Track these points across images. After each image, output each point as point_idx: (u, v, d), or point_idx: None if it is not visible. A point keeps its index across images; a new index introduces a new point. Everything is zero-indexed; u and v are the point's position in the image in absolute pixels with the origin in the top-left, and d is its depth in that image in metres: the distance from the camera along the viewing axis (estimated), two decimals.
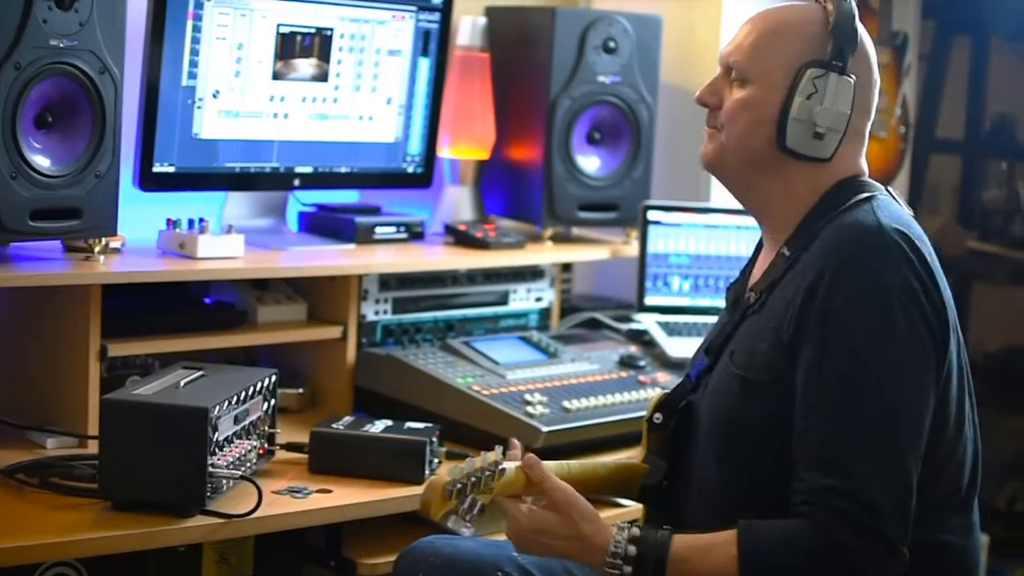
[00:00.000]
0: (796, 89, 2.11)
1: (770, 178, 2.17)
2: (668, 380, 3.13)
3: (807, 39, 2.13)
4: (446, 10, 3.37)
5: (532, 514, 2.10)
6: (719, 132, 2.20)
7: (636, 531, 2.05)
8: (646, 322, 3.46)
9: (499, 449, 2.12)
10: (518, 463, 2.12)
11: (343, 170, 3.30)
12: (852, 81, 2.12)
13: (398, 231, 3.33)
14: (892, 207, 2.12)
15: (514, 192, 3.58)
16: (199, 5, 2.93)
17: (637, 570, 2.02)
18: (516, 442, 2.24)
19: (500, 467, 2.08)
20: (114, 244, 2.82)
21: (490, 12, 3.55)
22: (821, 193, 2.15)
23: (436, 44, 3.37)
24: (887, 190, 2.18)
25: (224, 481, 2.39)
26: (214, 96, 3.02)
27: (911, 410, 1.99)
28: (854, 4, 2.15)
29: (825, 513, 1.95)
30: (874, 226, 2.04)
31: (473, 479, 2.05)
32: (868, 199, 2.11)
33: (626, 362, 3.26)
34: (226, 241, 2.92)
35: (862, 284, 2.00)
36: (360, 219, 3.26)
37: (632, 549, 2.03)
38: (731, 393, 2.13)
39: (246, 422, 2.52)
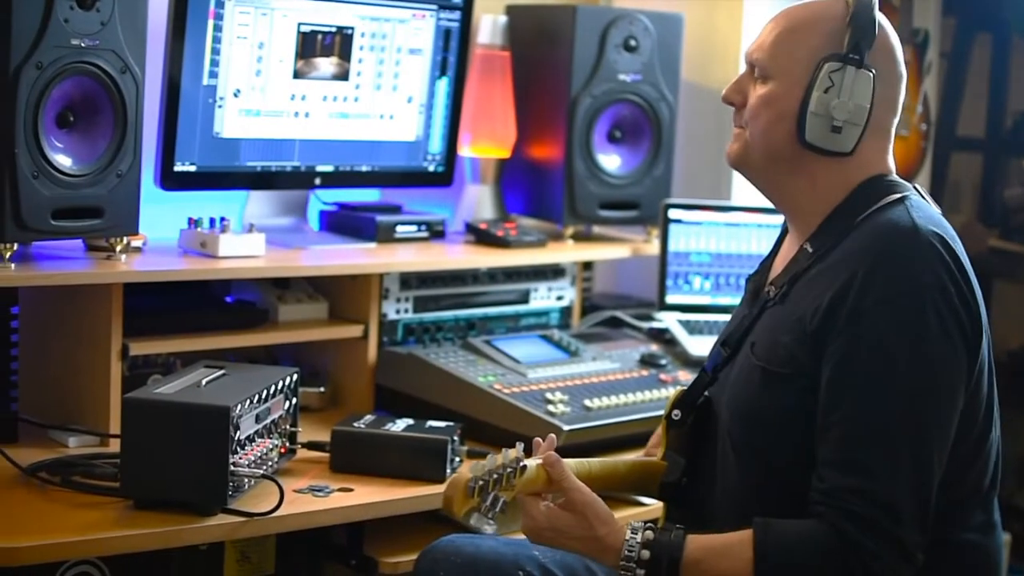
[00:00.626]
0: (815, 83, 2.10)
1: (795, 175, 2.16)
2: (689, 378, 3.09)
3: (826, 34, 2.12)
4: (467, 8, 3.37)
5: (549, 512, 2.11)
6: (744, 131, 2.20)
7: (650, 534, 2.05)
8: (667, 320, 3.45)
9: (520, 446, 2.12)
10: (539, 460, 2.11)
11: (364, 169, 3.31)
12: (871, 75, 2.11)
13: (419, 230, 3.32)
14: (925, 208, 2.11)
15: (535, 191, 3.57)
16: (220, 4, 2.93)
17: (650, 573, 2.03)
18: (553, 436, 2.23)
19: (522, 464, 2.07)
20: (135, 243, 2.82)
21: (511, 10, 3.55)
22: (848, 190, 2.14)
23: (457, 43, 3.37)
24: (916, 189, 2.17)
25: (246, 480, 2.40)
26: (235, 95, 3.02)
27: (939, 413, 1.99)
28: None
29: (842, 514, 1.95)
30: (909, 227, 2.03)
31: (495, 476, 2.05)
32: (901, 199, 2.10)
33: (647, 361, 3.25)
34: (247, 240, 2.92)
35: (896, 285, 1.99)
36: (381, 218, 3.26)
37: (645, 553, 2.03)
38: (751, 384, 2.13)
39: (267, 421, 2.52)
